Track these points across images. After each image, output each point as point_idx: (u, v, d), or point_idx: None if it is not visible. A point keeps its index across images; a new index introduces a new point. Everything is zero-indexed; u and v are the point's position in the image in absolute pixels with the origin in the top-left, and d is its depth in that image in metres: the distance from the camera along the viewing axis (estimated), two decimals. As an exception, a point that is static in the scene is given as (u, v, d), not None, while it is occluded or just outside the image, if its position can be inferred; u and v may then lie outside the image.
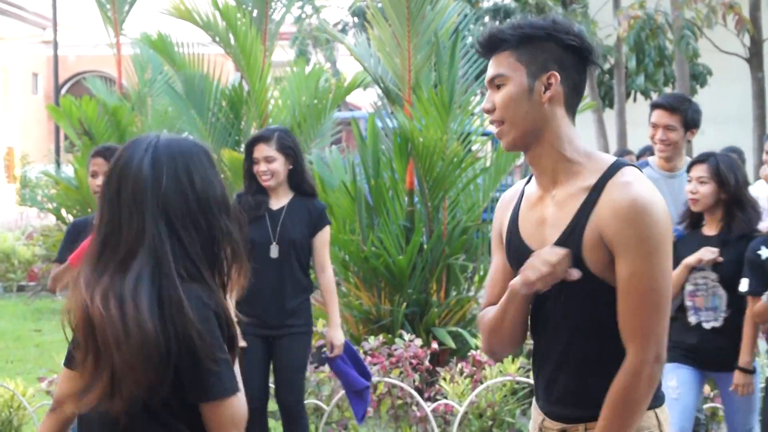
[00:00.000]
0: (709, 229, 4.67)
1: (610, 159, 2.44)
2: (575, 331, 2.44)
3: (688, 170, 4.72)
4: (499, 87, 2.44)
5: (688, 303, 4.60)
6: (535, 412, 2.61)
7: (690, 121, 5.03)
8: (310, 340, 5.13)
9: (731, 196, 4.59)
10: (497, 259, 2.65)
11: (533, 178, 2.56)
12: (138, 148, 2.26)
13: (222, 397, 2.21)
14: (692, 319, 4.59)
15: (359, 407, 5.16)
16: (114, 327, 2.12)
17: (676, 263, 4.46)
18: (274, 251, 4.94)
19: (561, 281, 2.38)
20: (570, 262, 2.37)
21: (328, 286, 5.05)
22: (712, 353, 4.60)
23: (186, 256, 2.22)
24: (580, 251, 2.37)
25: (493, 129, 2.49)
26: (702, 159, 4.66)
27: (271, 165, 4.91)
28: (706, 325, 4.58)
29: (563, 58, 2.42)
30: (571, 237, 2.38)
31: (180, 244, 2.22)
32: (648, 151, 8.63)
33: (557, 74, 2.40)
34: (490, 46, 2.47)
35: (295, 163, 5.00)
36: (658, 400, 2.47)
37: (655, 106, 5.07)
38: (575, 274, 2.39)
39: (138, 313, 2.12)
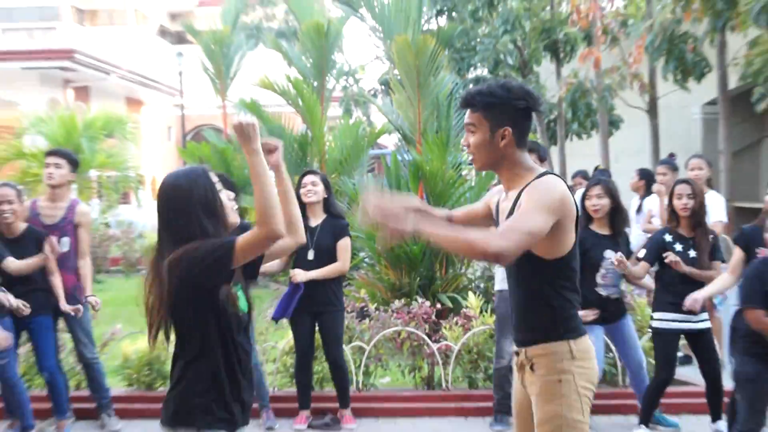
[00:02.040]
0: (600, 229, 4.57)
1: (540, 171, 2.43)
2: (518, 281, 2.50)
3: (587, 191, 4.55)
4: (472, 131, 2.46)
5: (600, 281, 4.54)
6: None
7: None
8: (343, 315, 5.02)
9: (616, 204, 4.55)
10: (479, 203, 2.74)
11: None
12: (170, 175, 2.40)
13: None
14: (602, 292, 4.56)
15: (279, 307, 4.88)
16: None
17: (583, 257, 4.37)
18: (310, 255, 4.88)
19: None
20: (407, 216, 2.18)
21: (336, 267, 4.88)
22: (609, 312, 4.58)
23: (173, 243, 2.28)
24: None
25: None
26: (595, 182, 4.58)
27: (315, 187, 4.91)
28: (610, 296, 4.59)
29: (515, 115, 2.42)
30: (509, 217, 2.41)
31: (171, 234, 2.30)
32: (579, 174, 8.29)
33: (510, 129, 2.41)
34: (466, 104, 2.49)
35: (328, 194, 4.97)
36: (571, 333, 2.42)
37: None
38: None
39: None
